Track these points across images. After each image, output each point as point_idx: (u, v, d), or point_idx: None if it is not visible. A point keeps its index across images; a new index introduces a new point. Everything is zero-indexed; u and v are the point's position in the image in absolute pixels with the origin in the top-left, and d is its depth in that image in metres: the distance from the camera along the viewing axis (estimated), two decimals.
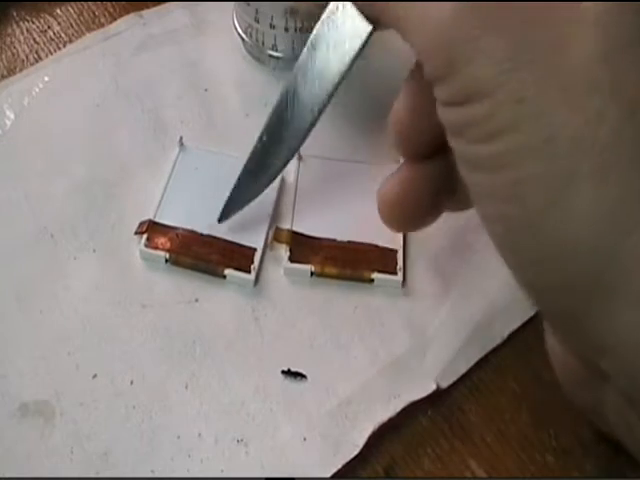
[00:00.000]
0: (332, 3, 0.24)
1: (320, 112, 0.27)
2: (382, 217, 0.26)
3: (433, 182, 0.25)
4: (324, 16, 0.25)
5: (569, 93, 0.18)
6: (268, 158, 0.29)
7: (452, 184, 0.24)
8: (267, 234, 0.32)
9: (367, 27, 0.24)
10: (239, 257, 0.31)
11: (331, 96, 0.26)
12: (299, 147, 0.28)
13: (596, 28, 0.19)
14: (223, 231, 0.31)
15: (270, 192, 0.33)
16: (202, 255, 0.30)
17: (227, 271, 0.30)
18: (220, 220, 0.31)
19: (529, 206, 0.19)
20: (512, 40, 0.19)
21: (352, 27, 0.24)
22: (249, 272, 0.30)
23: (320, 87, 0.26)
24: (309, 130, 0.27)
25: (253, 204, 0.31)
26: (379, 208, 0.26)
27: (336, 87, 0.26)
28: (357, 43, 0.24)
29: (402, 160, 0.26)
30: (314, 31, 0.25)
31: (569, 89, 0.18)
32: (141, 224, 0.31)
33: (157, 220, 0.31)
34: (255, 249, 0.31)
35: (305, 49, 0.26)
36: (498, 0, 0.19)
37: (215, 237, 0.31)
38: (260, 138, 0.29)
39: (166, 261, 0.30)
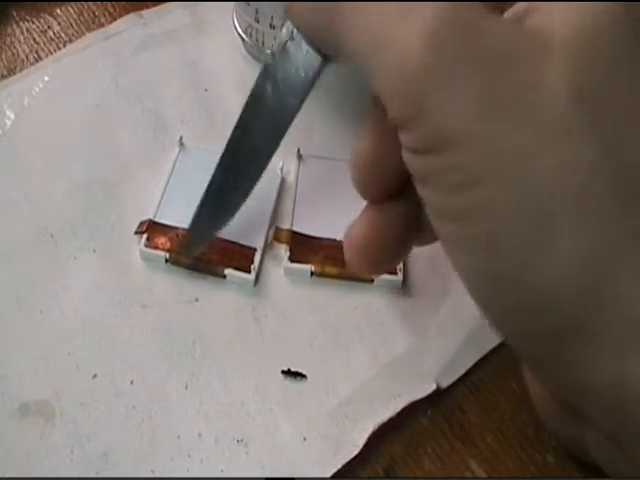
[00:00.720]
0: (284, 34, 0.23)
1: (271, 151, 0.26)
2: (349, 262, 0.24)
3: (400, 222, 0.23)
4: (275, 48, 0.24)
5: (542, 138, 0.18)
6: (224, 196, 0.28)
7: (419, 222, 0.23)
8: (267, 234, 0.32)
9: (319, 59, 0.23)
10: (239, 257, 0.31)
11: (286, 129, 0.26)
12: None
13: (567, 64, 0.18)
14: (223, 231, 0.31)
15: (270, 192, 0.33)
16: (202, 255, 0.30)
17: (227, 271, 0.30)
18: (192, 251, 0.30)
19: (504, 257, 0.18)
20: (481, 88, 0.18)
21: (305, 59, 0.23)
22: (249, 272, 0.30)
23: (274, 123, 0.26)
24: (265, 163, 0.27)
25: (253, 204, 0.31)
26: (346, 253, 0.24)
27: (290, 122, 0.26)
28: (310, 75, 0.23)
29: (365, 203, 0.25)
30: (262, 66, 0.25)
31: (542, 133, 0.18)
32: (141, 224, 0.31)
33: (157, 220, 0.31)
34: (255, 249, 0.31)
35: (256, 81, 0.25)
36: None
37: (215, 237, 0.31)
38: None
39: (166, 261, 0.30)
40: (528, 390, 0.25)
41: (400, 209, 0.23)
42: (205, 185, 0.33)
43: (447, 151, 0.18)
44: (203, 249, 0.30)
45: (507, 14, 0.21)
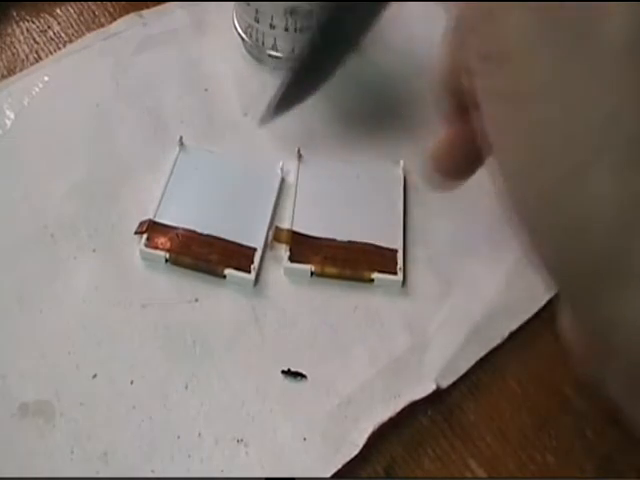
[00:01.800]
0: None
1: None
2: (433, 166, 0.26)
3: (473, 133, 0.24)
4: None
5: (598, 80, 0.18)
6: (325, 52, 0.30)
7: None
8: (267, 234, 0.32)
9: None
10: (239, 257, 0.31)
11: None
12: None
13: (627, 20, 0.18)
14: (223, 231, 0.31)
15: (270, 192, 0.33)
16: (202, 255, 0.30)
17: (227, 271, 0.30)
18: (265, 120, 0.31)
19: (549, 181, 0.19)
20: (547, 17, 0.19)
21: None
22: (249, 272, 0.30)
23: None
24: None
25: (253, 204, 0.31)
26: (431, 159, 0.26)
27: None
28: None
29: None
30: None
31: (595, 78, 0.18)
32: (141, 224, 0.31)
33: (157, 220, 0.31)
34: (255, 249, 0.31)
35: None
36: None
37: (215, 237, 0.31)
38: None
39: (166, 261, 0.30)
40: (559, 327, 0.25)
41: (471, 126, 0.24)
42: (205, 184, 0.33)
43: (507, 62, 0.19)
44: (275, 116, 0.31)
45: None
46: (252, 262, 0.30)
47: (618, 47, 0.18)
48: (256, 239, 0.31)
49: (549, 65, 0.19)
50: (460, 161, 0.26)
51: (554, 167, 0.19)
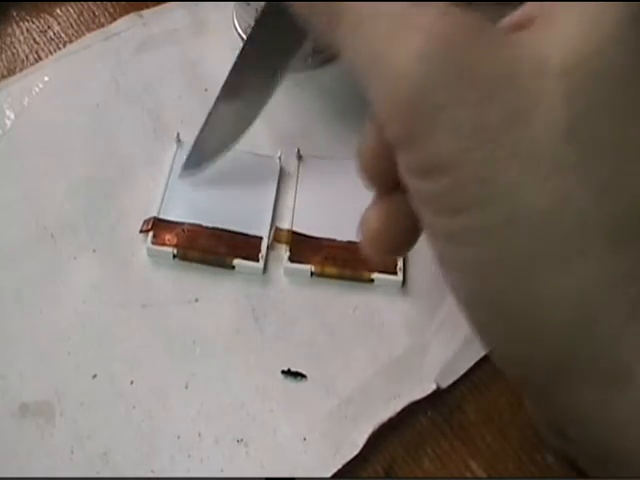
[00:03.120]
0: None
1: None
2: (365, 247, 0.24)
3: (408, 210, 0.23)
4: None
5: (532, 174, 0.17)
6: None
7: None
8: (272, 222, 0.32)
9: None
10: (246, 247, 0.31)
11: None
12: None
13: (561, 99, 0.17)
14: (228, 222, 0.31)
15: (270, 181, 0.33)
16: (210, 247, 0.30)
17: (236, 261, 0.30)
18: (181, 175, 0.32)
19: (491, 285, 0.18)
20: (474, 115, 0.17)
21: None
22: (257, 260, 0.30)
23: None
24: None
25: (255, 194, 0.31)
26: (361, 240, 0.24)
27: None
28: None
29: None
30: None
31: (532, 169, 0.17)
32: (145, 222, 0.31)
33: (161, 217, 0.31)
34: (261, 238, 0.31)
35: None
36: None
37: (221, 229, 0.31)
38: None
39: (174, 256, 0.30)
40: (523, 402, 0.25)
41: (406, 198, 0.23)
42: (205, 178, 0.33)
43: (439, 176, 0.18)
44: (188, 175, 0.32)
45: (505, 21, 0.21)
46: (259, 251, 0.31)
47: (556, 127, 0.17)
48: (261, 228, 0.31)
49: (482, 173, 0.17)
50: (395, 239, 0.24)
51: (498, 270, 0.18)
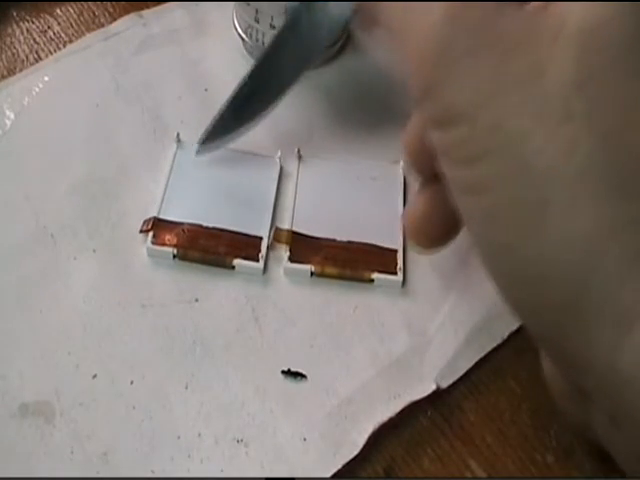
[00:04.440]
0: None
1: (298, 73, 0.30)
2: (410, 237, 0.27)
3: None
4: None
5: (543, 122, 0.18)
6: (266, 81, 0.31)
7: None
8: (272, 222, 0.32)
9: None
10: (246, 247, 0.31)
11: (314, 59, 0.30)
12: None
13: (574, 49, 0.19)
14: (228, 222, 0.31)
15: (270, 181, 0.33)
16: (210, 247, 0.30)
17: (236, 261, 0.30)
18: (199, 152, 0.33)
19: (506, 229, 0.19)
20: (492, 65, 0.19)
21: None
22: (257, 261, 0.30)
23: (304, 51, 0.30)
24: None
25: (255, 194, 0.31)
26: (406, 230, 0.27)
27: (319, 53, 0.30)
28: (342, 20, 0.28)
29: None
30: None
31: (544, 118, 0.18)
32: (145, 222, 0.31)
33: (161, 217, 0.31)
34: (261, 237, 0.31)
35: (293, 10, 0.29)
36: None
37: (221, 229, 0.31)
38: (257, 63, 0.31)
39: (174, 257, 0.30)
40: (541, 370, 0.25)
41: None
42: (205, 179, 0.33)
43: (457, 125, 0.19)
44: (206, 155, 0.33)
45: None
46: (260, 251, 0.31)
47: (567, 80, 0.18)
48: (261, 228, 0.31)
49: (496, 122, 0.19)
50: (439, 229, 0.26)
51: (509, 222, 0.19)
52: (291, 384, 0.28)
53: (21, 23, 0.40)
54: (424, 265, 0.31)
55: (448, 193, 0.22)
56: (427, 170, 0.25)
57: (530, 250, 0.19)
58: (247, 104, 0.32)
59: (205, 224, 0.31)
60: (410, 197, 0.29)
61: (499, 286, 0.21)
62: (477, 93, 0.19)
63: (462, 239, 0.32)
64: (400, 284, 0.30)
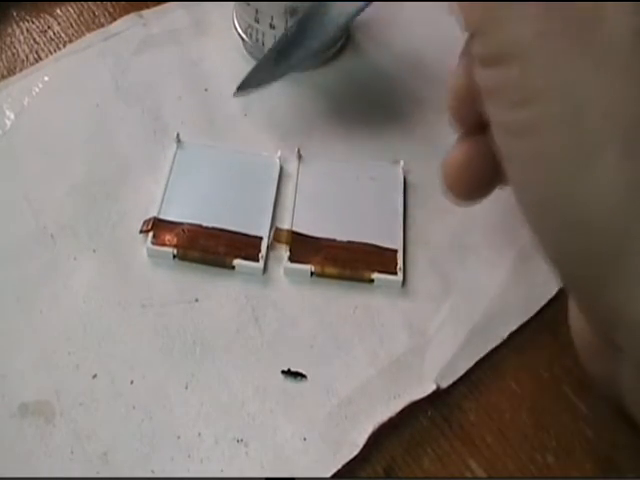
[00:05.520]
0: None
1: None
2: (447, 185, 0.26)
3: (490, 152, 0.24)
4: None
5: (601, 69, 0.18)
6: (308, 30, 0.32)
7: None
8: (272, 222, 0.32)
9: None
10: (246, 247, 0.31)
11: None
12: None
13: (634, 7, 0.18)
14: (228, 222, 0.31)
15: (270, 181, 0.33)
16: (210, 248, 0.30)
17: (236, 261, 0.30)
18: (238, 90, 0.33)
19: (555, 174, 0.19)
20: (551, 5, 0.19)
21: None
22: (257, 260, 0.30)
23: None
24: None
25: (255, 195, 0.31)
26: (444, 177, 0.26)
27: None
28: None
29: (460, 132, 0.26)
30: None
31: (601, 65, 0.18)
32: (145, 222, 0.31)
33: (161, 217, 0.31)
34: (261, 237, 0.31)
35: None
36: None
37: (221, 229, 0.31)
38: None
39: (174, 257, 0.30)
40: (569, 323, 0.25)
41: (487, 140, 0.24)
42: (205, 179, 0.33)
43: (511, 64, 0.19)
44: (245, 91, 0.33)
45: None
46: (259, 251, 0.31)
47: (625, 31, 0.18)
48: (261, 228, 0.31)
49: (551, 64, 0.19)
50: (477, 179, 0.25)
51: (557, 166, 0.19)
52: (291, 384, 0.28)
53: (21, 23, 0.40)
54: (424, 265, 0.31)
55: (491, 141, 0.21)
56: (470, 119, 0.24)
57: (578, 195, 0.19)
58: (289, 50, 0.32)
59: (205, 224, 0.31)
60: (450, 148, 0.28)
61: (541, 234, 0.21)
62: (535, 30, 0.19)
63: (461, 239, 0.32)
64: (400, 284, 0.30)
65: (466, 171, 0.25)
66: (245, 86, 0.33)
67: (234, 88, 0.33)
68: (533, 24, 0.19)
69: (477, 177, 0.25)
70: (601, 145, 0.18)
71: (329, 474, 0.26)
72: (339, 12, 0.31)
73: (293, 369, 0.28)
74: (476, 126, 0.24)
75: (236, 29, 0.38)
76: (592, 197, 0.19)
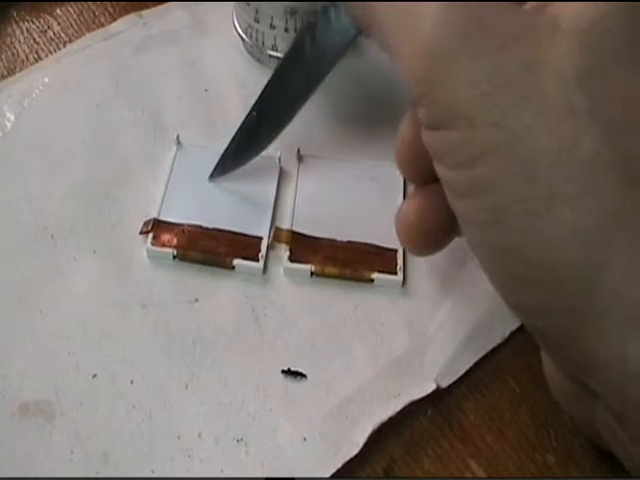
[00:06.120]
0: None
1: (303, 100, 0.30)
2: (401, 240, 0.26)
3: (445, 203, 0.24)
4: (319, 9, 0.27)
5: (544, 118, 0.18)
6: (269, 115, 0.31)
7: None
8: (272, 222, 0.32)
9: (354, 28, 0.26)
10: (246, 247, 0.31)
11: (318, 84, 0.29)
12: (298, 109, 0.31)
13: (573, 43, 0.18)
14: (228, 223, 0.31)
15: (270, 181, 0.33)
16: (210, 248, 0.31)
17: (236, 261, 0.30)
18: (212, 176, 0.33)
19: (509, 231, 0.19)
20: (489, 63, 0.19)
21: (343, 25, 0.27)
22: (257, 260, 0.30)
23: (309, 75, 0.29)
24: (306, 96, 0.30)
25: (255, 195, 0.31)
26: (398, 232, 0.26)
27: (323, 78, 0.29)
28: (345, 40, 0.27)
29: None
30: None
31: (544, 113, 0.18)
32: (145, 223, 0.31)
33: (161, 218, 0.31)
34: (261, 238, 0.31)
35: (297, 36, 0.28)
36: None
37: (221, 230, 0.31)
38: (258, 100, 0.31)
39: (174, 257, 0.30)
40: (543, 369, 0.25)
41: (441, 189, 0.24)
42: (205, 180, 0.33)
43: (456, 125, 0.19)
44: (219, 178, 0.33)
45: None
46: (259, 251, 0.31)
47: (567, 74, 0.18)
48: (261, 228, 0.31)
49: (495, 122, 0.18)
50: (432, 232, 0.25)
51: (515, 216, 0.19)
52: (291, 384, 0.28)
53: (21, 23, 0.40)
54: (424, 265, 0.31)
55: (444, 198, 0.21)
56: (420, 177, 0.24)
57: (534, 251, 0.19)
58: (256, 133, 0.32)
59: (205, 225, 0.31)
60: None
61: (502, 290, 0.21)
62: (474, 92, 0.19)
63: (462, 239, 0.32)
64: (400, 284, 0.30)
65: (420, 224, 0.25)
66: (219, 173, 0.33)
67: (234, 88, 0.33)
68: (473, 84, 0.19)
69: (432, 230, 0.25)
70: (553, 195, 0.18)
71: (329, 474, 0.26)
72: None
73: (293, 369, 0.28)
74: (425, 177, 0.24)
75: (236, 29, 0.38)
76: (549, 250, 0.18)
